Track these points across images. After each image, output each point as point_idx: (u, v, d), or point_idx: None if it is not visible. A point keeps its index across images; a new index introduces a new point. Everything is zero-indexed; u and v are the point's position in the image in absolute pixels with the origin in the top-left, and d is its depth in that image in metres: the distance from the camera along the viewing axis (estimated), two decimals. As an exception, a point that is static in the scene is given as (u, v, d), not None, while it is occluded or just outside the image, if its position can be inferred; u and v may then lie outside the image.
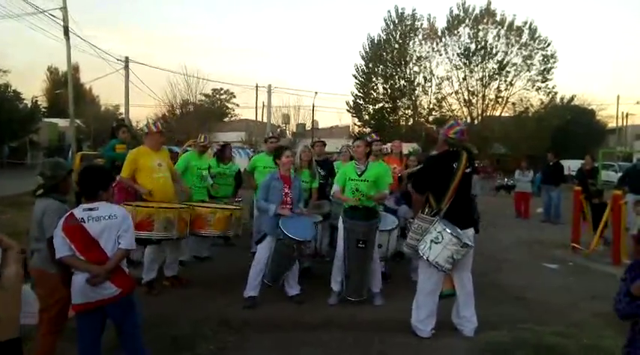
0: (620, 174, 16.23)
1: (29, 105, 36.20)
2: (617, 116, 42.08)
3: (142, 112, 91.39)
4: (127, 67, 28.07)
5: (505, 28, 34.28)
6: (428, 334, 4.35)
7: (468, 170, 4.33)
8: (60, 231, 3.02)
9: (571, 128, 33.15)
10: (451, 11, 35.35)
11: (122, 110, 37.73)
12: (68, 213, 3.12)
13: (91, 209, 3.10)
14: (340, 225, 5.25)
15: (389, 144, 8.00)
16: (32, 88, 73.31)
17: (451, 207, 4.27)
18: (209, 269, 6.76)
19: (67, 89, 23.64)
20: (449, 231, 4.06)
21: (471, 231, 4.39)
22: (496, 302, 5.35)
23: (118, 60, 27.99)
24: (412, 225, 4.50)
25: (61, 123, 40.68)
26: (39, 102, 40.83)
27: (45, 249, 3.26)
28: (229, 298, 5.30)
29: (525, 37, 34.24)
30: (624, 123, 42.33)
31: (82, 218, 3.05)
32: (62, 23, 20.70)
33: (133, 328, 3.24)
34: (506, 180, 24.62)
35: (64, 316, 3.43)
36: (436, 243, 4.11)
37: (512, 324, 4.65)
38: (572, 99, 36.43)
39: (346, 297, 5.23)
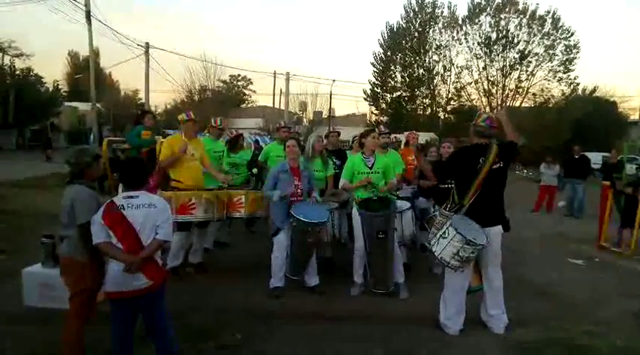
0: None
1: (50, 89, 36.63)
2: (640, 108, 41.10)
3: (160, 98, 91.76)
4: (147, 53, 28.14)
5: (527, 17, 33.63)
6: (456, 332, 4.27)
7: (497, 165, 4.16)
8: (99, 219, 3.03)
9: (592, 120, 32.48)
10: (472, -1, 34.79)
11: (141, 95, 37.98)
12: (109, 201, 3.14)
13: (131, 197, 3.13)
14: (356, 218, 5.17)
15: (405, 134, 7.90)
16: (53, 72, 73.92)
17: (475, 203, 4.13)
18: (230, 256, 6.77)
19: (87, 73, 23.78)
20: (453, 227, 3.98)
21: (496, 229, 4.23)
22: (523, 297, 5.25)
23: (138, 45, 28.09)
24: (435, 220, 4.42)
25: (82, 107, 41.17)
26: (60, 86, 41.26)
27: (74, 236, 3.27)
28: (252, 286, 5.30)
29: (548, 26, 33.59)
30: (647, 116, 41.28)
31: (122, 205, 3.07)
32: (84, 8, 20.79)
33: (161, 320, 3.24)
34: (525, 172, 24.34)
35: (93, 302, 3.45)
36: (443, 238, 4.07)
37: (542, 322, 4.58)
38: (594, 90, 35.67)
39: (372, 290, 5.20)
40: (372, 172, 5.23)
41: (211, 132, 6.84)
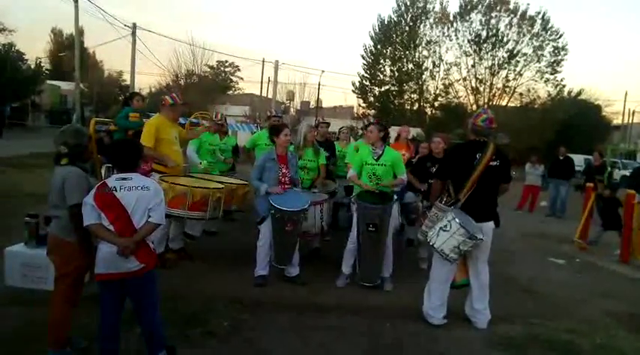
0: (623, 172, 16.14)
1: (32, 67, 35.81)
2: (623, 113, 41.81)
3: (146, 80, 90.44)
4: (134, 34, 27.63)
5: (518, 16, 33.81)
6: (439, 321, 4.34)
7: (493, 163, 4.23)
8: (91, 199, 2.97)
9: (575, 122, 32.93)
10: (464, -4, 34.79)
11: (125, 76, 37.45)
12: (100, 182, 3.08)
13: (124, 179, 3.07)
14: (354, 208, 5.22)
15: (397, 129, 7.94)
16: (35, 49, 72.28)
17: (470, 198, 4.20)
18: (214, 244, 6.71)
19: (71, 52, 23.31)
20: (457, 221, 4.02)
21: (488, 225, 4.32)
22: (506, 294, 5.32)
23: (125, 26, 27.59)
24: (429, 213, 4.45)
25: (64, 86, 40.42)
26: (42, 64, 40.37)
27: (64, 217, 3.20)
28: (238, 275, 5.27)
29: (537, 27, 33.74)
30: (630, 121, 42.04)
31: (115, 187, 3.01)
32: (71, -16, 20.35)
33: (150, 305, 3.20)
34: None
35: (81, 284, 3.39)
36: (444, 231, 4.09)
37: (524, 318, 4.65)
38: (579, 93, 36.10)
39: (359, 283, 5.21)
40: (377, 164, 5.26)
41: (210, 125, 6.79)
